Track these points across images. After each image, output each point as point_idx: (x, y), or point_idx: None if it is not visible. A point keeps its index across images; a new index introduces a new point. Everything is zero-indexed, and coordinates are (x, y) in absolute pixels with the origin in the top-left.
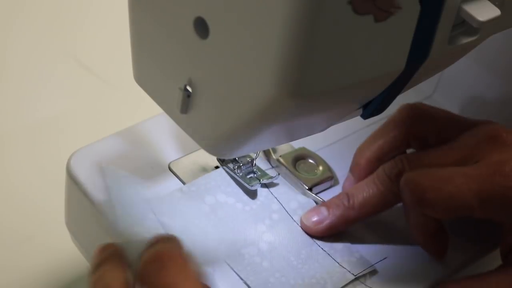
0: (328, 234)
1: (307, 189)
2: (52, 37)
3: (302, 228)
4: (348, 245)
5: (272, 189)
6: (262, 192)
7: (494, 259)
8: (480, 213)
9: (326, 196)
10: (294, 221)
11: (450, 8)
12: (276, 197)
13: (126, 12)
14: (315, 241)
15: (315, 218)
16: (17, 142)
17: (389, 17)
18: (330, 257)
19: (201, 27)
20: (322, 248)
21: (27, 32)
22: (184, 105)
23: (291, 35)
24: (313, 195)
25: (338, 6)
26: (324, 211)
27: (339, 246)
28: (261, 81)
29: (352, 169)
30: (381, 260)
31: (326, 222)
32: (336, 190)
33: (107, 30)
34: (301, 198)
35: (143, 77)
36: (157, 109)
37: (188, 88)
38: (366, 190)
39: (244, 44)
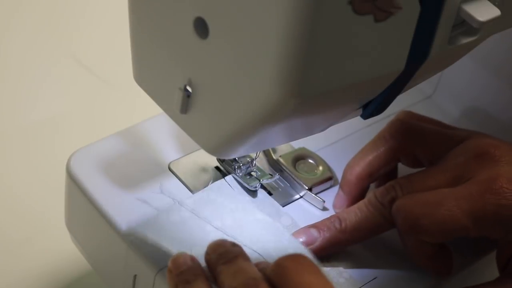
0: (317, 255)
1: (307, 189)
2: (53, 37)
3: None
4: (336, 265)
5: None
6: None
7: (488, 264)
8: (475, 232)
9: (326, 196)
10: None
11: (450, 8)
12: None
13: (126, 11)
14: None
15: (304, 239)
16: (17, 142)
17: (389, 17)
18: None
19: (201, 27)
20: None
21: (27, 32)
22: (184, 105)
23: (291, 35)
24: (313, 195)
25: (338, 6)
26: (314, 232)
27: (326, 267)
28: (261, 81)
29: (342, 186)
30: (370, 281)
31: (316, 244)
32: (336, 190)
33: (107, 30)
34: (284, 220)
35: (143, 77)
36: (157, 109)
37: (188, 88)
38: (358, 215)
39: (244, 44)
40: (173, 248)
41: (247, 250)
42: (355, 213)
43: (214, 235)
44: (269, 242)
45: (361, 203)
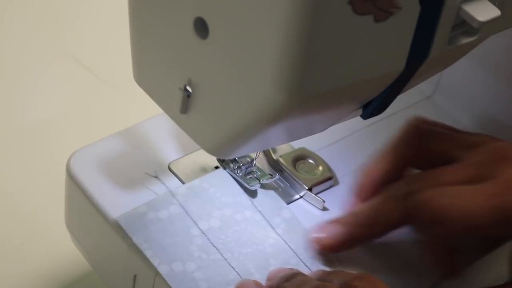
0: (334, 251)
1: (307, 189)
2: (53, 37)
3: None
4: (331, 260)
5: (256, 202)
6: (248, 205)
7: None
8: (493, 231)
9: (326, 196)
10: (281, 238)
11: (450, 8)
12: (260, 211)
13: (126, 10)
14: (298, 257)
15: (321, 234)
16: (17, 142)
17: (389, 17)
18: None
19: (201, 27)
20: (304, 264)
21: (27, 32)
22: (184, 105)
23: (291, 35)
24: (313, 195)
25: (338, 6)
26: (332, 227)
27: (321, 259)
28: (261, 81)
29: (357, 191)
30: None
31: (334, 238)
32: (336, 190)
33: (107, 29)
34: (285, 214)
35: (143, 77)
36: (157, 109)
37: (188, 88)
38: (374, 210)
39: (244, 44)
40: (155, 256)
41: (228, 258)
42: (371, 208)
43: (197, 243)
44: (252, 246)
45: (377, 198)
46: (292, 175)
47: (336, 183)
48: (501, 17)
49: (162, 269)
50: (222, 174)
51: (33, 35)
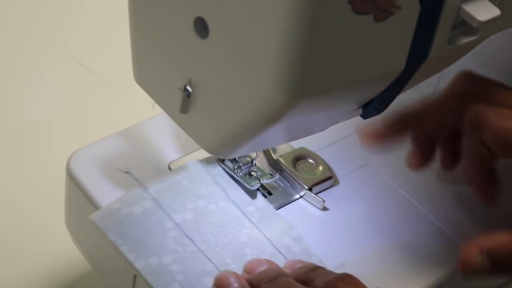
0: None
1: (307, 189)
2: (53, 37)
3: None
4: (307, 249)
5: (229, 193)
6: (221, 196)
7: None
8: None
9: (326, 196)
10: (256, 227)
11: (450, 8)
12: (233, 201)
13: (126, 10)
14: (273, 245)
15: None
16: (17, 142)
17: (389, 17)
18: (287, 260)
19: (201, 27)
20: (279, 252)
21: (27, 32)
22: (184, 105)
23: (291, 35)
24: (313, 195)
25: (338, 6)
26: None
27: (296, 248)
28: (261, 81)
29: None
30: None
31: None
32: (336, 190)
33: (107, 30)
34: (258, 203)
35: (143, 77)
36: (157, 109)
37: (188, 88)
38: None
39: (244, 44)
40: (131, 252)
41: (204, 249)
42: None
43: (172, 236)
44: (227, 236)
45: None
46: (292, 175)
47: (336, 183)
48: (501, 17)
49: (138, 264)
50: (194, 166)
51: (33, 35)
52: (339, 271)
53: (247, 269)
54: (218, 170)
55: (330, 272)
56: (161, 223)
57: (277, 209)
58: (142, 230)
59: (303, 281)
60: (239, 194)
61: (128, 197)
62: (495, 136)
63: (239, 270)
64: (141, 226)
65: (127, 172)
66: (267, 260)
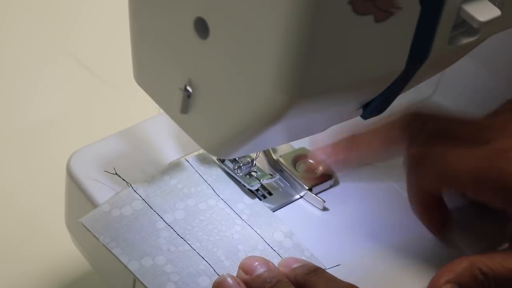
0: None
1: (307, 189)
2: (53, 37)
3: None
4: (298, 244)
5: (218, 191)
6: (210, 194)
7: None
8: (472, 192)
9: (326, 196)
10: (247, 223)
11: (450, 8)
12: (223, 199)
13: (126, 10)
14: (265, 241)
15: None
16: (17, 142)
17: (389, 17)
18: (279, 256)
19: (201, 27)
20: (271, 248)
21: (28, 32)
22: (184, 105)
23: (291, 35)
24: (313, 195)
25: (338, 6)
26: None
27: (288, 243)
28: (261, 81)
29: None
30: (332, 267)
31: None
32: (336, 190)
33: (107, 30)
34: (247, 200)
35: (143, 77)
36: (157, 109)
37: (188, 88)
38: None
39: (244, 44)
40: (124, 254)
41: (197, 248)
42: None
43: (164, 237)
44: (219, 233)
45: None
46: (292, 175)
47: (336, 183)
48: (501, 17)
49: (132, 266)
50: (182, 165)
51: (33, 35)
52: (337, 271)
53: (244, 269)
54: (205, 168)
55: (335, 279)
56: (153, 223)
57: (277, 209)
58: (133, 232)
59: (303, 284)
60: (228, 192)
61: (118, 199)
62: (437, 174)
63: (233, 267)
64: (133, 227)
65: (116, 174)
66: (263, 259)
